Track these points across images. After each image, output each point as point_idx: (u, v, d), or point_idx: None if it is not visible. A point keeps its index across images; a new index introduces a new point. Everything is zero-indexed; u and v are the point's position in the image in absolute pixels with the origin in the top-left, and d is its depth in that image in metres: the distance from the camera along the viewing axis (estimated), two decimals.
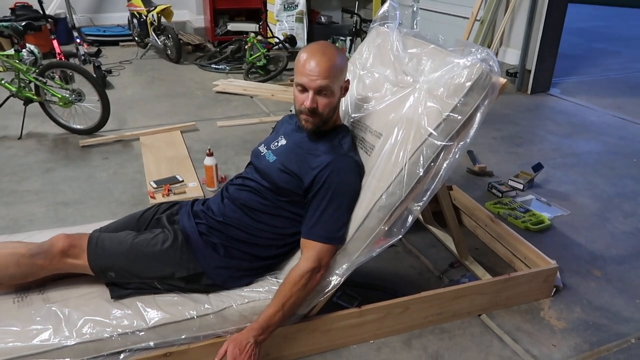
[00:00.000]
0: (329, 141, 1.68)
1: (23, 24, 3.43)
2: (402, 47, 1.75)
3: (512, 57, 4.92)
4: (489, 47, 4.95)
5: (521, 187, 2.94)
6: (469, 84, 1.48)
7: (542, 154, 3.50)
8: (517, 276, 1.94)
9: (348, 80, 1.68)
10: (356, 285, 2.02)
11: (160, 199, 2.76)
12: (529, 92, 4.84)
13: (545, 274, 1.99)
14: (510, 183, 2.97)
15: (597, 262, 2.32)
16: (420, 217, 2.51)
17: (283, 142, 1.75)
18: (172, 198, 2.76)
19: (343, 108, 1.91)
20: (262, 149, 1.80)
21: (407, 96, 1.66)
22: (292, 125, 1.80)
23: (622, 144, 3.69)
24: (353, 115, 1.85)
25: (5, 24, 3.51)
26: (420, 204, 1.60)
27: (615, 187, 3.04)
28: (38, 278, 1.59)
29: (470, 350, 1.80)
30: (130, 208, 2.67)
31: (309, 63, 1.56)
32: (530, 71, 4.80)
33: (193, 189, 2.88)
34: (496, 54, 5.00)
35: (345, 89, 1.68)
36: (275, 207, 1.67)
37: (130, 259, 1.58)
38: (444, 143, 1.52)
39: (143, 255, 1.59)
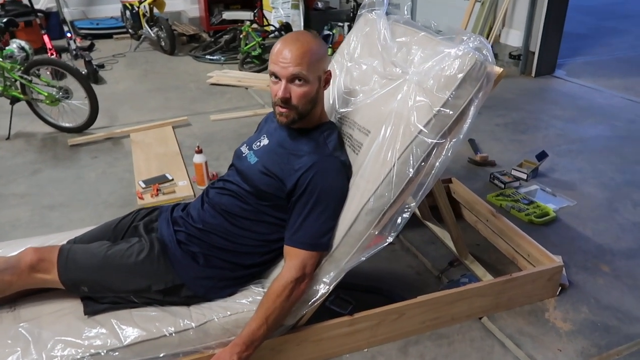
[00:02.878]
0: (313, 140, 1.56)
1: (4, 20, 3.31)
2: (391, 35, 1.62)
3: (515, 38, 4.74)
4: (490, 29, 4.78)
5: (525, 177, 2.81)
6: (461, 75, 1.35)
7: (547, 140, 3.36)
8: (519, 276, 1.83)
9: (329, 71, 1.56)
10: (350, 288, 1.92)
11: (148, 199, 2.66)
12: (533, 74, 4.67)
13: (549, 273, 1.88)
14: (514, 173, 2.84)
15: (605, 256, 2.20)
16: (418, 212, 2.40)
17: (265, 141, 1.64)
18: (161, 198, 2.67)
19: (330, 102, 1.79)
20: (244, 149, 1.69)
21: (396, 89, 1.53)
22: (275, 123, 1.68)
23: (631, 128, 3.54)
24: (340, 110, 1.73)
25: None
26: (412, 204, 1.49)
27: (624, 174, 2.90)
28: (7, 295, 1.50)
29: (470, 356, 1.70)
30: (118, 210, 2.58)
31: (282, 51, 1.45)
32: (534, 53, 4.62)
33: (183, 187, 2.78)
34: (498, 36, 4.83)
35: (326, 81, 1.55)
36: (257, 212, 1.57)
37: (104, 273, 1.49)
38: (435, 141, 1.40)
39: (117, 268, 1.49)
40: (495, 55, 4.93)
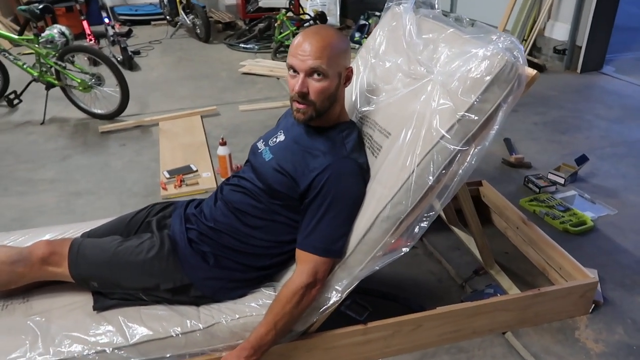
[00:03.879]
0: (331, 139, 1.49)
1: (40, 7, 3.36)
2: (417, 31, 1.52)
3: (560, 32, 4.49)
4: (534, 21, 4.54)
5: (562, 181, 2.65)
6: (488, 78, 1.25)
7: (589, 142, 3.16)
8: (549, 291, 1.71)
9: (350, 68, 1.47)
10: (366, 293, 1.85)
11: (171, 190, 2.66)
12: (578, 70, 4.42)
13: (582, 289, 1.75)
14: (550, 177, 2.68)
15: None
16: (443, 215, 2.30)
17: (281, 137, 1.58)
18: (184, 190, 2.66)
19: (352, 100, 1.71)
20: (260, 145, 1.63)
21: (420, 90, 1.44)
22: (292, 118, 1.62)
23: None
24: (362, 109, 1.65)
25: (23, 7, 3.45)
26: (432, 213, 1.40)
27: None
28: (20, 285, 1.51)
29: None
30: (142, 200, 2.59)
31: (302, 44, 1.38)
32: (580, 47, 4.37)
33: (206, 179, 2.77)
34: (543, 29, 4.58)
35: (346, 78, 1.47)
36: (269, 211, 1.51)
37: (113, 269, 1.47)
38: (457, 148, 1.30)
39: (126, 265, 1.47)
40: (539, 50, 4.69)
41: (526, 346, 1.69)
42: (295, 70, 1.41)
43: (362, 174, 1.47)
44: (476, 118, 1.27)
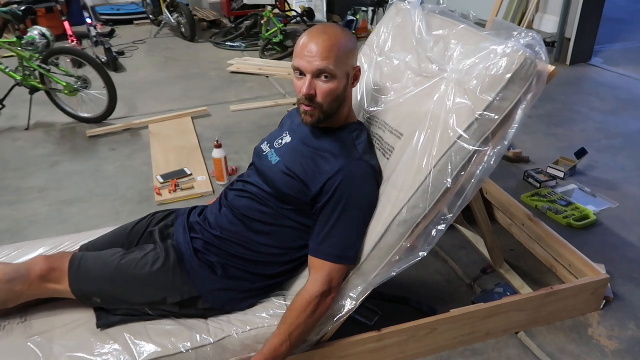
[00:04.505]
0: (341, 141, 1.44)
1: (22, 8, 3.23)
2: (427, 28, 1.47)
3: (549, 24, 4.50)
4: (523, 14, 4.53)
5: (562, 175, 2.64)
6: (508, 75, 1.20)
7: (585, 135, 3.16)
8: (561, 290, 1.69)
9: (358, 67, 1.42)
10: (376, 297, 1.80)
11: (166, 195, 2.58)
12: (568, 63, 4.43)
13: (594, 286, 1.73)
14: (550, 171, 2.67)
15: None
16: None
17: (288, 139, 1.52)
18: (180, 194, 2.59)
19: (358, 99, 1.66)
20: (265, 147, 1.57)
21: (433, 89, 1.39)
22: (298, 119, 1.56)
23: None
24: (369, 109, 1.60)
25: (4, 9, 3.33)
26: (450, 216, 1.36)
27: None
28: (18, 304, 1.43)
29: None
30: (136, 206, 2.52)
31: (308, 45, 1.32)
32: (569, 40, 4.38)
33: (202, 183, 2.69)
34: (532, 22, 4.59)
35: (355, 78, 1.42)
36: (279, 216, 1.45)
37: (117, 284, 1.40)
38: (476, 148, 1.26)
39: (131, 279, 1.40)
40: None
41: (541, 346, 1.67)
42: (301, 73, 1.36)
43: (376, 177, 1.42)
44: (495, 117, 1.23)
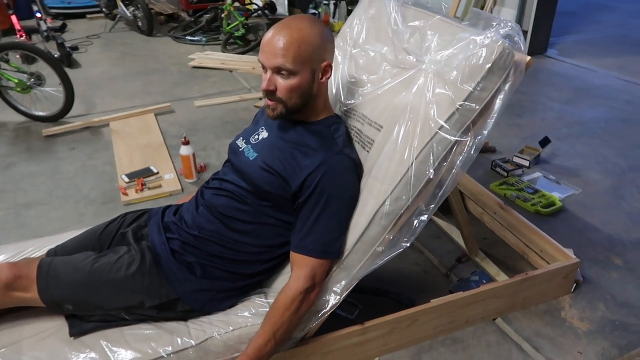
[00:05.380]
0: (319, 134, 1.41)
1: None
2: (402, 19, 1.47)
3: (507, 17, 4.60)
4: (482, 8, 4.62)
5: (527, 164, 2.71)
6: (488, 65, 1.21)
7: (546, 124, 3.26)
8: (536, 275, 1.73)
9: (328, 62, 1.36)
10: (356, 290, 1.79)
11: (133, 195, 2.49)
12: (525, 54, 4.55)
13: (566, 270, 1.79)
14: (515, 160, 2.74)
15: (616, 247, 2.12)
16: None
17: (264, 134, 1.48)
18: (147, 193, 2.50)
19: (334, 92, 1.64)
20: (241, 143, 1.52)
21: (411, 80, 1.39)
22: None
23: (630, 110, 3.46)
24: (346, 102, 1.58)
25: None
26: (432, 206, 1.36)
27: (627, 158, 2.82)
28: None
29: None
30: (100, 207, 2.42)
31: (271, 39, 1.30)
32: (527, 32, 4.50)
33: (170, 181, 2.61)
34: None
35: (324, 73, 1.37)
36: (258, 213, 1.42)
37: (90, 289, 1.33)
38: (457, 138, 1.27)
39: (105, 284, 1.34)
40: None
41: (518, 331, 1.71)
42: (263, 66, 1.33)
43: (356, 170, 1.40)
44: (475, 107, 1.24)
